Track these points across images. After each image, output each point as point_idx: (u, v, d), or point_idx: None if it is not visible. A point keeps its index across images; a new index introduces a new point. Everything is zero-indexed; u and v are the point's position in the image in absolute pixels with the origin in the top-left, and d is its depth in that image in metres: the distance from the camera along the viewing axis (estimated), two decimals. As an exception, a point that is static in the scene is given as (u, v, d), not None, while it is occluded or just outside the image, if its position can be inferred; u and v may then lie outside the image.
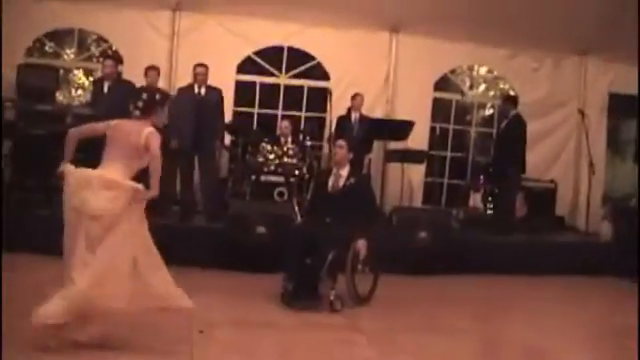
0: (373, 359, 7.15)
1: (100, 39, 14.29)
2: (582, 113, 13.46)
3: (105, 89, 11.68)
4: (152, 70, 12.02)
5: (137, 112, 6.97)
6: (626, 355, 7.52)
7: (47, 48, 14.39)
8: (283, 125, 13.20)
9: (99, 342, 6.36)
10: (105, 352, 6.39)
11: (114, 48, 13.88)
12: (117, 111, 8.50)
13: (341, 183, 9.16)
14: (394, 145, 13.54)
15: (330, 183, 9.26)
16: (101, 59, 14.08)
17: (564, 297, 10.46)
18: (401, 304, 9.17)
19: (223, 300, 8.91)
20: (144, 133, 6.76)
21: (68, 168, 6.67)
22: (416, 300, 9.50)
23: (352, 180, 9.14)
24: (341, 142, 9.35)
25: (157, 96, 7.18)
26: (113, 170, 6.73)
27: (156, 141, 6.77)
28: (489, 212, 13.53)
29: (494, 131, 14.40)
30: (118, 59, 11.81)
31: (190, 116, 11.43)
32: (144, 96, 7.06)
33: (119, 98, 11.19)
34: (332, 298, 8.50)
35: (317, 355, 7.15)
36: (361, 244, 8.74)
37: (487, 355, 7.87)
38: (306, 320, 8.21)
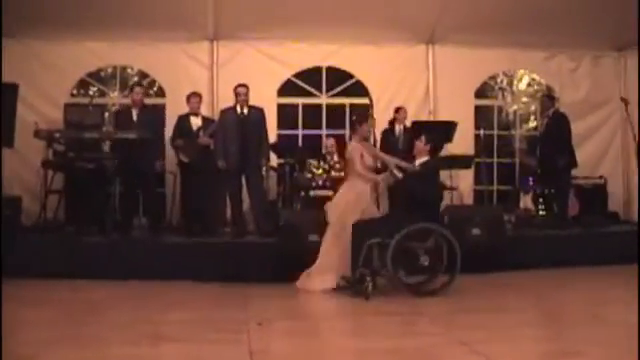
0: (435, 333, 7.13)
1: (142, 75, 14.52)
2: (625, 101, 13.33)
3: (134, 116, 11.91)
4: (194, 97, 12.25)
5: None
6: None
7: (91, 87, 14.65)
8: (329, 143, 13.25)
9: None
10: (166, 342, 6.58)
11: (156, 82, 14.14)
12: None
13: None
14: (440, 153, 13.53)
15: None
16: (151, 93, 14.58)
17: (622, 279, 10.29)
18: (459, 293, 9.07)
19: (280, 303, 9.03)
20: (349, 149, 9.90)
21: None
22: (474, 289, 9.41)
23: (416, 167, 9.47)
24: (422, 137, 9.76)
25: (354, 117, 10.21)
26: (357, 184, 9.80)
27: (353, 152, 9.81)
28: (541, 213, 13.42)
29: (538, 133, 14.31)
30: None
31: (234, 136, 11.59)
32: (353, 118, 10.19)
33: (149, 122, 11.85)
34: (365, 284, 8.65)
35: (381, 334, 7.18)
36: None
37: (545, 325, 7.82)
38: (366, 310, 8.28)
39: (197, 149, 11.92)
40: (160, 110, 13.03)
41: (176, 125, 12.28)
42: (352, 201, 9.69)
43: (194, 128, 12.14)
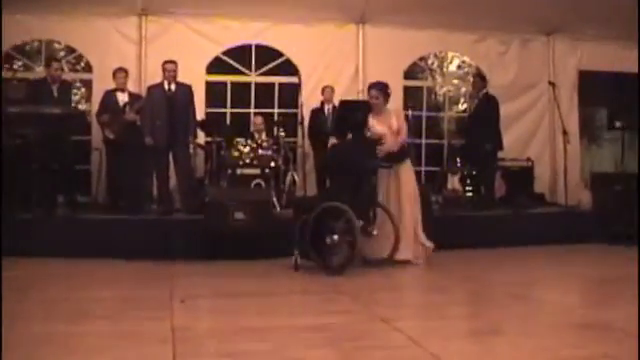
0: (356, 311, 7.15)
1: (69, 49, 14.29)
2: (553, 85, 13.53)
3: (55, 91, 11.65)
4: (120, 72, 12.09)
5: None
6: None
7: (16, 61, 14.38)
8: (257, 121, 13.26)
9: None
10: (89, 320, 6.55)
11: (84, 57, 13.91)
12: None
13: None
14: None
15: None
16: (78, 68, 14.39)
17: (547, 259, 10.56)
18: (383, 272, 9.16)
19: (205, 280, 8.99)
20: None
21: None
22: (399, 269, 9.42)
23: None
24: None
25: None
26: None
27: None
28: (468, 194, 13.50)
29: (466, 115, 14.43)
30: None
31: (162, 113, 11.49)
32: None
33: (69, 97, 12.02)
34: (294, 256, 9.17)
35: (304, 312, 7.20)
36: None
37: (468, 303, 7.90)
38: (290, 289, 8.36)
39: (123, 125, 11.77)
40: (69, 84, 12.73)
41: (102, 100, 12.12)
42: None
43: (120, 104, 11.97)
